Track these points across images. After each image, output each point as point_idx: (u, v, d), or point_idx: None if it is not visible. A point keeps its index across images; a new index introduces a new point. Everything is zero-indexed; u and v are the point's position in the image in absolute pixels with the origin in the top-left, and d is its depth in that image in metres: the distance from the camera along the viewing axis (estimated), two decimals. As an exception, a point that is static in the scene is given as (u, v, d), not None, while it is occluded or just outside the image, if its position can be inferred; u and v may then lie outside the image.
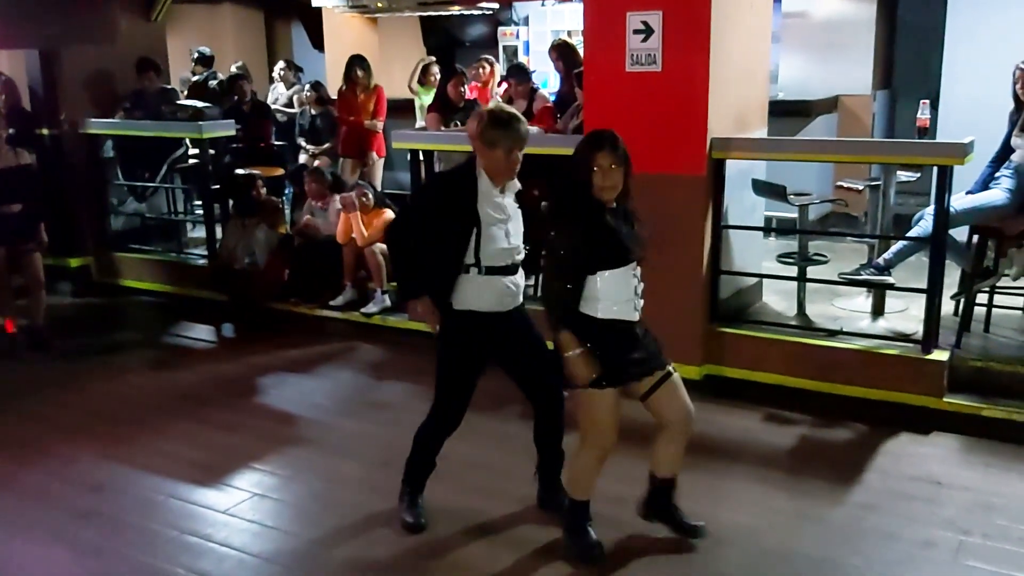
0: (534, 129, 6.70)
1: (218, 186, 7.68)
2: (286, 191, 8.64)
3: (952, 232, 5.17)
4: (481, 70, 9.00)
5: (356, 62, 8.56)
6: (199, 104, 8.35)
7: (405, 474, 4.01)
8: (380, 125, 8.57)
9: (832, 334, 5.26)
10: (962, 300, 5.34)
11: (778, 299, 6.04)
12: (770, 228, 7.28)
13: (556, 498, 3.88)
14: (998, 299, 5.47)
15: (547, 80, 10.13)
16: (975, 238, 5.36)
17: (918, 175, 5.83)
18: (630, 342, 3.46)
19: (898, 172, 5.57)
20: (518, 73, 7.59)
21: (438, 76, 9.13)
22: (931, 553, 3.66)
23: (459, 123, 7.66)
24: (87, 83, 8.01)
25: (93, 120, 7.95)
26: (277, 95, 10.32)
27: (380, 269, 6.63)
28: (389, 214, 6.81)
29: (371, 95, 8.53)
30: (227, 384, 5.81)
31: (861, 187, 6.09)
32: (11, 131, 6.56)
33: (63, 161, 7.95)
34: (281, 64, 10.74)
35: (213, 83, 9.51)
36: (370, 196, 6.72)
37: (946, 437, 4.68)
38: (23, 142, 6.81)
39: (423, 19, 12.26)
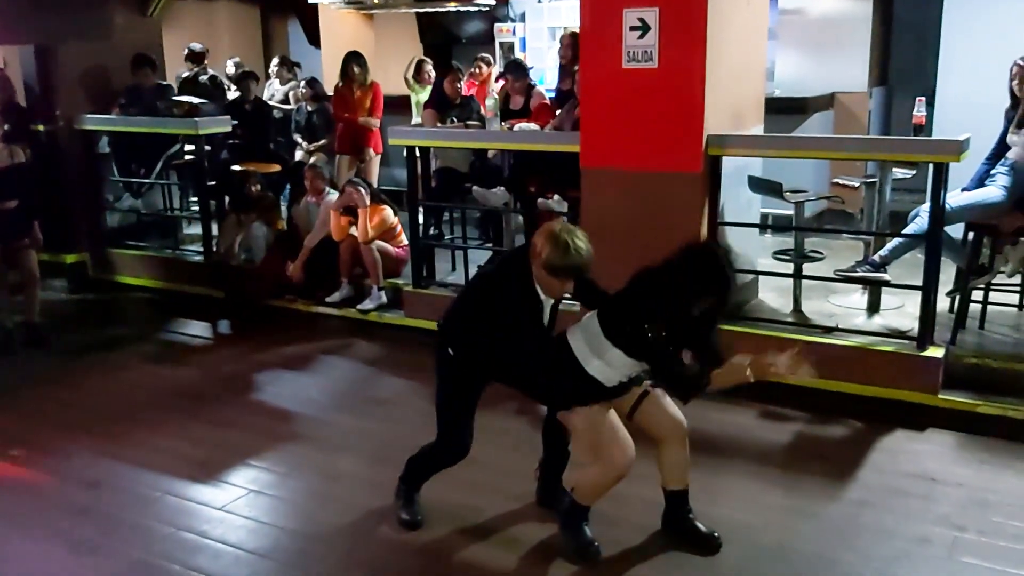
0: (532, 126, 6.74)
1: (214, 182, 7.67)
2: (284, 190, 8.63)
3: (948, 229, 5.18)
4: (477, 68, 9.00)
5: (352, 58, 8.54)
6: (195, 100, 8.34)
7: (404, 473, 4.01)
8: (376, 122, 8.56)
9: (828, 331, 5.27)
10: (958, 297, 5.35)
11: (774, 296, 6.05)
12: (766, 225, 7.28)
13: (555, 497, 3.89)
14: (993, 296, 5.48)
15: (544, 76, 10.13)
16: (971, 235, 5.37)
17: (914, 172, 5.83)
18: (607, 392, 3.50)
19: (894, 169, 5.57)
20: (515, 69, 7.58)
21: (432, 74, 9.12)
22: (926, 549, 3.67)
23: (455, 119, 7.66)
24: (83, 79, 8.00)
25: (89, 116, 7.93)
26: (273, 91, 10.30)
27: (376, 265, 6.62)
28: (387, 211, 6.82)
29: (367, 92, 8.52)
30: (223, 380, 5.80)
31: (857, 184, 6.09)
32: (6, 127, 6.55)
33: (58, 157, 7.93)
34: (276, 60, 10.73)
35: (204, 78, 9.47)
36: (364, 192, 6.71)
37: (941, 434, 4.69)
38: (18, 138, 6.80)
39: (420, 15, 12.24)
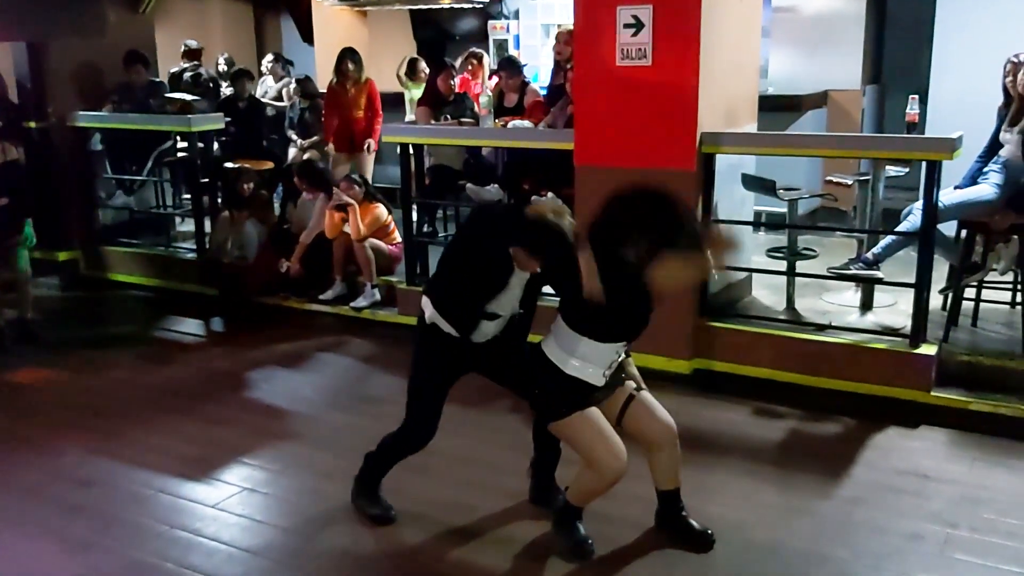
0: (526, 123, 6.74)
1: (207, 179, 7.65)
2: (277, 188, 8.61)
3: (940, 227, 5.19)
4: (470, 64, 8.99)
5: (347, 55, 8.52)
6: (188, 97, 8.32)
7: (362, 471, 3.97)
8: (379, 127, 8.41)
9: (821, 328, 5.28)
10: (950, 295, 5.37)
11: (767, 293, 6.06)
12: (760, 223, 7.29)
13: (549, 495, 3.90)
14: (986, 293, 5.50)
15: (538, 73, 10.13)
16: (963, 233, 5.38)
17: (907, 170, 5.84)
18: (590, 392, 3.46)
19: (887, 167, 5.58)
20: (509, 66, 7.58)
21: (427, 72, 9.11)
22: (919, 546, 3.68)
23: (449, 116, 7.66)
24: (75, 76, 7.97)
25: (81, 113, 7.91)
26: (266, 88, 10.29)
27: (370, 263, 6.62)
28: (380, 209, 6.81)
29: (362, 89, 8.50)
30: (217, 378, 5.79)
31: (850, 182, 6.11)
32: None
33: (51, 154, 7.90)
34: (269, 57, 10.70)
35: (188, 76, 9.44)
36: (358, 190, 6.70)
37: (934, 431, 4.70)
38: (10, 135, 6.77)
39: (413, 12, 12.24)
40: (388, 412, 5.12)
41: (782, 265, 5.85)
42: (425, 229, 7.38)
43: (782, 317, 5.59)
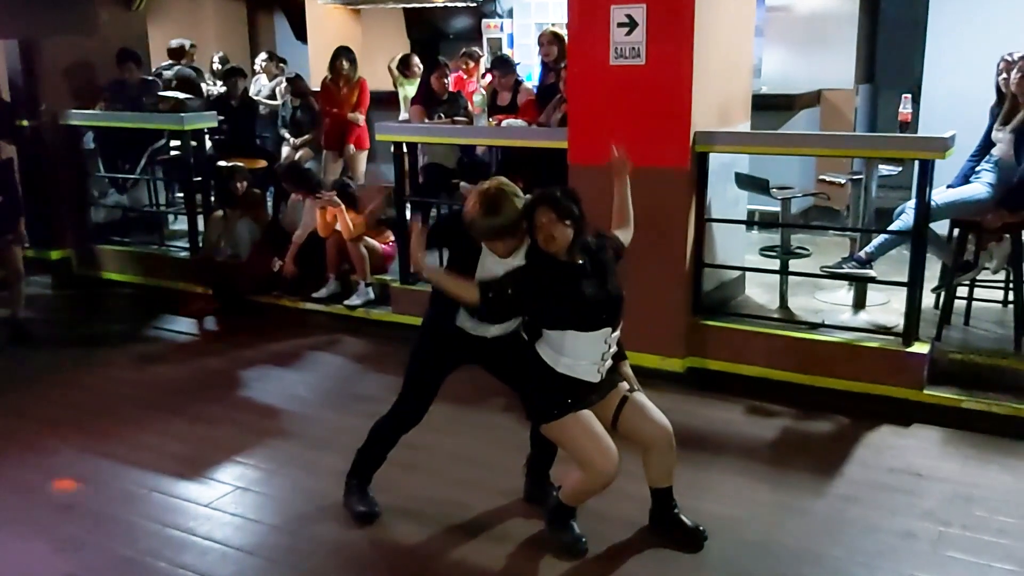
0: (519, 122, 6.74)
1: (200, 178, 7.63)
2: (270, 186, 8.61)
3: (933, 226, 5.20)
4: (465, 64, 8.99)
5: (342, 53, 8.52)
6: (180, 95, 8.30)
7: (353, 466, 3.99)
8: (362, 118, 8.54)
9: (814, 327, 5.29)
10: (943, 293, 5.38)
11: (761, 292, 6.07)
12: (753, 221, 7.30)
13: (543, 493, 3.90)
14: (978, 292, 5.51)
15: (531, 72, 10.12)
16: (956, 232, 5.40)
17: (900, 169, 5.86)
18: (585, 391, 3.47)
19: (880, 166, 5.59)
20: (502, 65, 7.58)
21: (420, 68, 9.11)
22: (911, 544, 3.69)
23: (443, 115, 7.65)
24: (67, 74, 7.95)
25: (73, 111, 7.88)
26: (260, 87, 10.27)
27: (363, 262, 6.61)
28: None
29: (353, 88, 8.50)
30: (209, 377, 5.78)
31: (843, 181, 6.12)
32: None
33: (43, 153, 7.88)
34: (263, 55, 10.69)
35: (168, 74, 9.38)
36: (352, 190, 6.69)
37: (926, 429, 4.71)
38: (2, 134, 6.75)
39: (407, 11, 12.23)
40: (382, 411, 5.12)
41: (775, 264, 5.86)
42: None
43: (775, 316, 5.60)
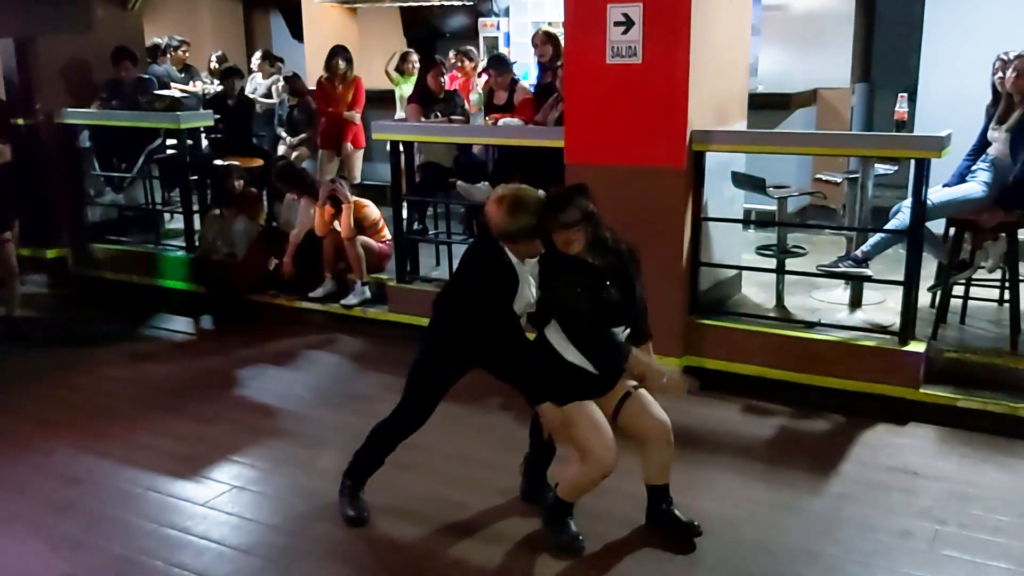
0: (516, 121, 6.73)
1: (196, 177, 7.62)
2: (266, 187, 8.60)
3: (929, 225, 5.21)
4: (460, 63, 8.98)
5: (338, 52, 8.52)
6: (176, 94, 8.29)
7: (350, 467, 3.98)
8: (357, 116, 8.53)
9: (810, 326, 5.29)
10: (939, 292, 5.39)
11: (757, 291, 6.07)
12: (749, 220, 7.31)
13: (540, 492, 3.90)
14: (974, 291, 5.52)
15: (527, 71, 10.12)
16: (952, 231, 5.40)
17: (896, 168, 5.87)
18: (592, 383, 3.51)
19: (876, 165, 5.60)
20: (498, 64, 7.57)
21: (417, 64, 9.11)
22: (908, 543, 3.69)
23: (439, 114, 7.65)
24: (63, 72, 7.93)
25: (69, 110, 7.86)
26: (256, 85, 10.27)
27: (360, 261, 6.61)
28: (370, 206, 6.80)
29: (349, 87, 8.50)
30: (206, 376, 5.78)
31: (839, 180, 6.13)
32: None
33: (39, 151, 7.86)
34: (259, 54, 10.68)
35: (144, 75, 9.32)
36: (345, 190, 6.68)
37: (922, 428, 4.72)
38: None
39: (403, 10, 12.23)
40: (378, 410, 5.10)
41: (772, 263, 5.87)
42: (415, 227, 7.36)
43: (772, 315, 5.60)
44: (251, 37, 14.56)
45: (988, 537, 3.72)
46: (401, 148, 6.54)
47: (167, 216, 8.63)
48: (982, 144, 5.46)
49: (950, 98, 6.52)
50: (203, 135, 8.06)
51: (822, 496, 4.09)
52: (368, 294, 6.66)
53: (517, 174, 6.56)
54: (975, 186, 5.36)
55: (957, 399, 4.78)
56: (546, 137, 5.98)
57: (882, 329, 5.21)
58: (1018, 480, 4.18)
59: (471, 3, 11.32)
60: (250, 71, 10.72)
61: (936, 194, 5.29)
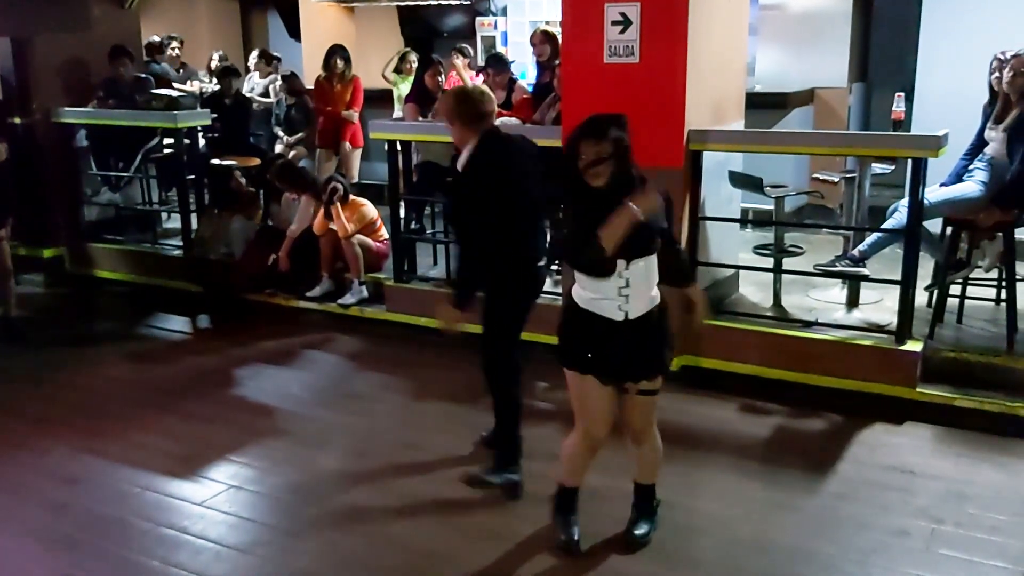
0: (514, 120, 6.72)
1: (193, 176, 7.62)
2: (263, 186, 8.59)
3: (926, 224, 5.22)
4: (458, 61, 8.97)
5: (337, 51, 8.52)
6: (174, 93, 8.27)
7: (500, 450, 4.17)
8: (355, 116, 8.53)
9: (807, 325, 5.30)
10: (935, 291, 5.40)
11: (754, 290, 6.08)
12: (746, 220, 7.31)
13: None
14: (971, 290, 5.53)
15: (525, 71, 10.12)
16: (948, 230, 5.41)
17: (893, 167, 5.87)
18: (611, 339, 3.32)
19: (873, 164, 5.61)
20: (496, 63, 7.56)
21: (415, 64, 9.10)
22: (904, 542, 3.70)
23: (436, 113, 7.64)
24: (60, 71, 7.91)
25: (66, 109, 7.85)
26: (253, 84, 10.25)
27: (357, 260, 6.60)
28: (367, 206, 6.80)
29: (347, 85, 8.49)
30: (203, 376, 5.77)
31: (836, 179, 6.13)
32: None
33: (35, 150, 7.85)
34: (256, 53, 10.67)
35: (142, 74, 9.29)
36: (341, 189, 6.68)
37: (919, 427, 4.72)
38: None
39: (400, 9, 12.22)
40: (375, 409, 5.14)
41: (769, 262, 5.87)
42: (413, 226, 7.36)
43: (769, 314, 5.61)
44: (248, 36, 14.55)
45: (985, 536, 3.72)
46: (399, 147, 6.54)
47: (164, 215, 8.63)
48: (979, 143, 5.47)
49: (947, 98, 6.53)
50: (200, 134, 8.05)
51: (819, 495, 4.10)
52: (365, 293, 6.66)
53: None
54: (972, 185, 5.37)
55: (954, 398, 4.79)
56: (544, 136, 5.96)
57: (879, 328, 5.21)
58: (1015, 479, 4.19)
59: (468, 2, 11.31)
60: (247, 70, 10.71)
61: (933, 193, 5.30)
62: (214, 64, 11.04)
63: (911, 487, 4.13)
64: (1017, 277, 5.20)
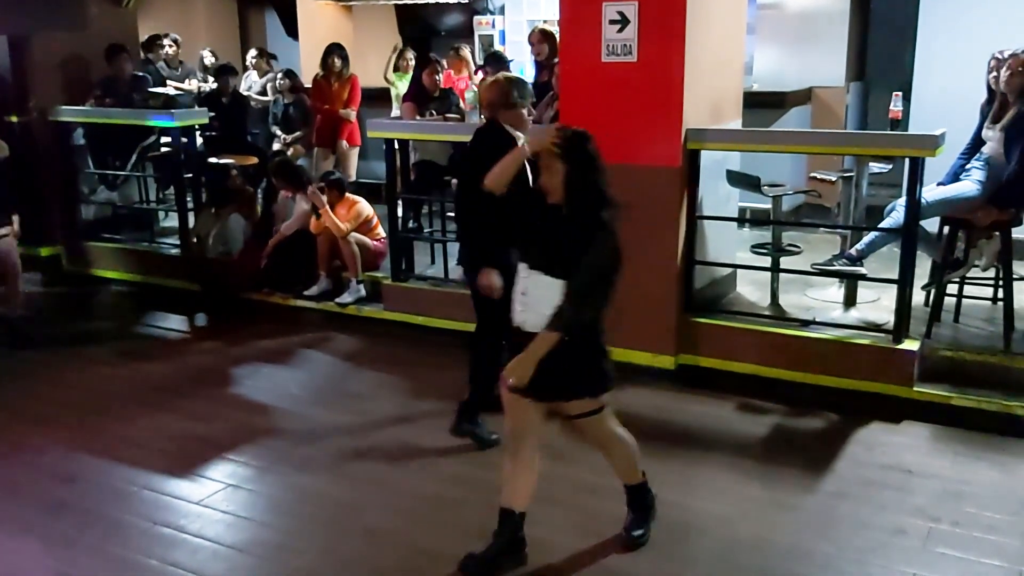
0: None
1: (190, 174, 7.61)
2: (261, 183, 8.58)
3: (923, 223, 5.22)
4: (456, 59, 8.97)
5: (335, 50, 8.51)
6: (171, 91, 8.26)
7: (471, 394, 4.52)
8: (354, 114, 8.53)
9: (805, 324, 5.30)
10: (933, 290, 5.40)
11: (752, 289, 6.08)
12: (744, 219, 7.31)
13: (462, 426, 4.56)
14: (968, 289, 5.54)
15: (523, 69, 10.12)
16: (946, 229, 5.42)
17: (890, 166, 5.88)
18: (520, 347, 3.24)
19: (870, 163, 5.61)
20: (495, 62, 7.58)
21: (412, 61, 9.09)
22: (901, 540, 3.70)
23: (434, 112, 7.64)
24: (57, 69, 7.91)
25: (63, 107, 7.84)
26: (250, 83, 10.24)
27: (355, 259, 6.60)
28: (363, 204, 6.79)
29: (345, 84, 8.48)
30: (200, 374, 5.77)
31: (834, 178, 6.13)
32: None
33: (33, 149, 7.84)
34: (253, 52, 10.66)
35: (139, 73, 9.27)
36: (335, 190, 6.68)
37: (916, 426, 4.73)
38: None
39: (398, 7, 12.21)
40: (373, 408, 5.14)
41: (766, 261, 5.88)
42: (410, 225, 7.36)
43: (766, 313, 5.61)
44: (246, 35, 14.52)
45: (982, 535, 3.73)
46: (396, 146, 6.54)
47: (162, 214, 8.62)
48: (976, 143, 5.46)
49: (944, 97, 6.53)
50: (198, 133, 8.04)
51: (816, 494, 4.10)
52: (363, 292, 6.65)
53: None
54: (969, 185, 5.37)
55: (951, 397, 4.79)
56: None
57: (876, 327, 5.22)
58: (1011, 478, 4.20)
59: (466, 1, 11.31)
60: (245, 69, 10.69)
61: (930, 193, 5.30)
62: (208, 61, 11.03)
63: (908, 486, 4.14)
64: (1014, 276, 5.20)
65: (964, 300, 5.52)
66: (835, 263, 5.40)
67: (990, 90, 5.44)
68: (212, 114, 8.02)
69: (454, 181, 6.88)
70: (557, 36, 6.88)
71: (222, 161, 7.75)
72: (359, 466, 4.36)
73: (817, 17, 8.63)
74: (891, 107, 5.94)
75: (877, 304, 5.66)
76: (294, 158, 8.36)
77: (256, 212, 7.54)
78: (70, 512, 4.07)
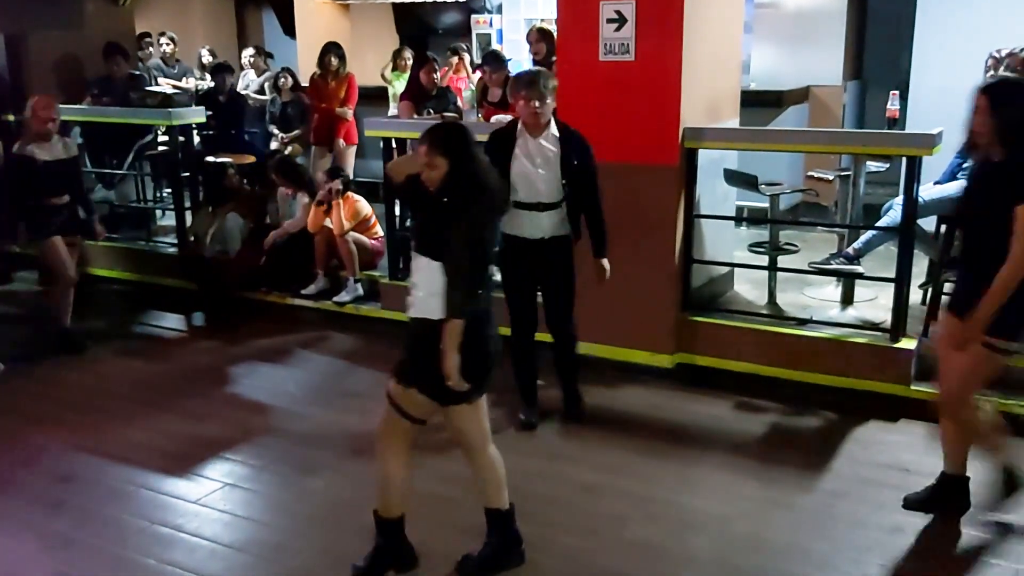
0: (509, 117, 6.72)
1: (188, 173, 7.60)
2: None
3: (920, 222, 5.23)
4: (454, 59, 8.97)
5: (331, 49, 8.50)
6: (168, 90, 8.25)
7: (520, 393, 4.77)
8: (350, 113, 8.52)
9: (802, 323, 5.31)
10: (930, 289, 5.40)
11: (749, 288, 6.09)
12: (741, 218, 7.32)
13: (577, 407, 4.80)
14: (965, 288, 5.53)
15: (521, 68, 10.11)
16: (943, 228, 5.42)
17: (887, 165, 5.88)
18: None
19: (868, 162, 5.61)
20: (493, 61, 7.57)
21: (410, 60, 9.09)
22: (899, 539, 3.71)
23: (431, 111, 7.64)
24: (54, 68, 7.90)
25: (60, 106, 7.81)
26: (248, 82, 10.23)
27: (352, 257, 6.60)
28: (361, 202, 6.79)
29: (342, 83, 8.48)
30: (198, 373, 5.76)
31: (831, 177, 6.14)
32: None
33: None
34: (250, 50, 10.64)
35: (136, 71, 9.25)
36: (338, 184, 6.67)
37: (914, 424, 4.73)
38: None
39: (396, 6, 12.21)
40: (371, 407, 5.11)
41: (764, 260, 5.88)
42: (408, 224, 7.35)
43: (764, 312, 5.62)
44: (243, 33, 14.51)
45: (978, 534, 3.73)
46: (394, 145, 6.53)
47: (159, 213, 8.61)
48: (973, 142, 5.46)
49: (942, 96, 6.49)
50: (195, 132, 8.03)
51: (814, 492, 4.11)
52: (361, 291, 6.65)
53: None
54: (966, 183, 5.37)
55: (948, 396, 4.78)
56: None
57: (874, 326, 5.22)
58: (1008, 476, 4.20)
59: (463, 0, 11.31)
60: (241, 67, 10.68)
61: (927, 191, 5.31)
62: (207, 59, 11.02)
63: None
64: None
65: (961, 299, 5.51)
66: (832, 262, 5.41)
67: (987, 89, 5.44)
68: (209, 113, 8.02)
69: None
70: (555, 35, 6.89)
71: (219, 160, 7.74)
72: (357, 465, 4.35)
73: (814, 16, 8.64)
74: (888, 106, 5.95)
75: (874, 303, 5.67)
76: (292, 157, 8.36)
77: (254, 211, 7.52)
78: (68, 511, 4.07)
